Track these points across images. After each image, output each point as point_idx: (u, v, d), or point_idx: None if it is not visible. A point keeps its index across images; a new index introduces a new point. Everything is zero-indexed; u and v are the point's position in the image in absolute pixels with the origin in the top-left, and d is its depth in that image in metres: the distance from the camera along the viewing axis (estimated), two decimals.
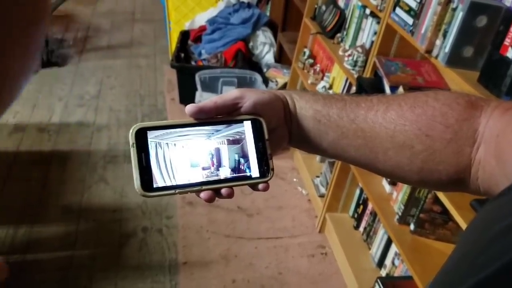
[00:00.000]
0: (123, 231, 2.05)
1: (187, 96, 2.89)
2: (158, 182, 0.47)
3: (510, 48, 1.14)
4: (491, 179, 0.47)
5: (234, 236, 2.10)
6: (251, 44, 3.25)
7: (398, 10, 1.60)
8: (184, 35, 3.35)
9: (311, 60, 2.56)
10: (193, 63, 3.17)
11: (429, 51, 1.41)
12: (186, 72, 2.89)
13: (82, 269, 1.85)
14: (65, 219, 2.07)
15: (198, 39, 3.31)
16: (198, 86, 2.72)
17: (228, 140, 0.51)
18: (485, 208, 0.41)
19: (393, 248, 1.75)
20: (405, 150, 0.50)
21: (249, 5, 3.37)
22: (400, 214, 1.63)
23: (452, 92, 0.52)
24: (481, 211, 0.42)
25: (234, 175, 0.50)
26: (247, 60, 3.12)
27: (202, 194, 0.48)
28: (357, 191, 2.09)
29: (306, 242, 2.13)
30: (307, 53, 2.61)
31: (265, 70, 3.16)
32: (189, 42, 3.33)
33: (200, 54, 3.18)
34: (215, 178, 0.49)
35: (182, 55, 3.15)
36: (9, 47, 0.23)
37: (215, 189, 0.49)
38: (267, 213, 2.26)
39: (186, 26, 3.48)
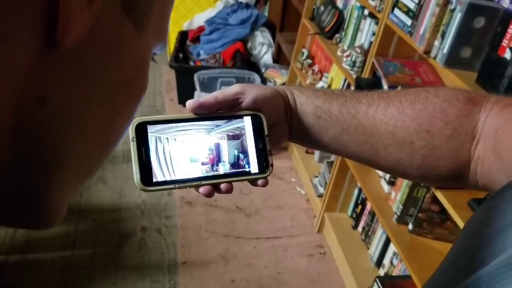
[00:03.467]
0: (122, 231, 2.05)
1: (185, 96, 2.88)
2: (158, 176, 0.47)
3: (507, 49, 1.15)
4: (490, 175, 0.47)
5: (233, 235, 2.10)
6: (249, 44, 3.25)
7: (396, 11, 1.61)
8: (183, 36, 3.35)
9: (309, 61, 2.57)
10: (191, 63, 3.17)
11: (427, 52, 1.42)
12: (185, 73, 2.89)
13: (81, 269, 1.85)
14: (64, 219, 2.04)
15: (196, 40, 3.31)
16: (197, 87, 2.72)
17: (228, 135, 0.51)
18: (482, 207, 0.42)
19: (392, 248, 1.75)
20: (405, 146, 0.50)
21: (247, 6, 3.38)
22: (398, 213, 1.64)
23: (452, 88, 0.53)
24: (479, 210, 0.43)
25: (234, 170, 0.51)
26: (245, 60, 3.13)
27: (201, 189, 0.49)
28: (356, 191, 2.09)
29: (305, 242, 2.13)
30: (306, 53, 2.61)
31: (263, 70, 3.17)
32: (188, 42, 3.33)
33: (198, 54, 3.18)
34: (215, 173, 0.50)
35: (181, 55, 3.16)
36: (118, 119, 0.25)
37: (214, 184, 0.49)
38: (266, 213, 2.26)
39: (185, 26, 3.48)
